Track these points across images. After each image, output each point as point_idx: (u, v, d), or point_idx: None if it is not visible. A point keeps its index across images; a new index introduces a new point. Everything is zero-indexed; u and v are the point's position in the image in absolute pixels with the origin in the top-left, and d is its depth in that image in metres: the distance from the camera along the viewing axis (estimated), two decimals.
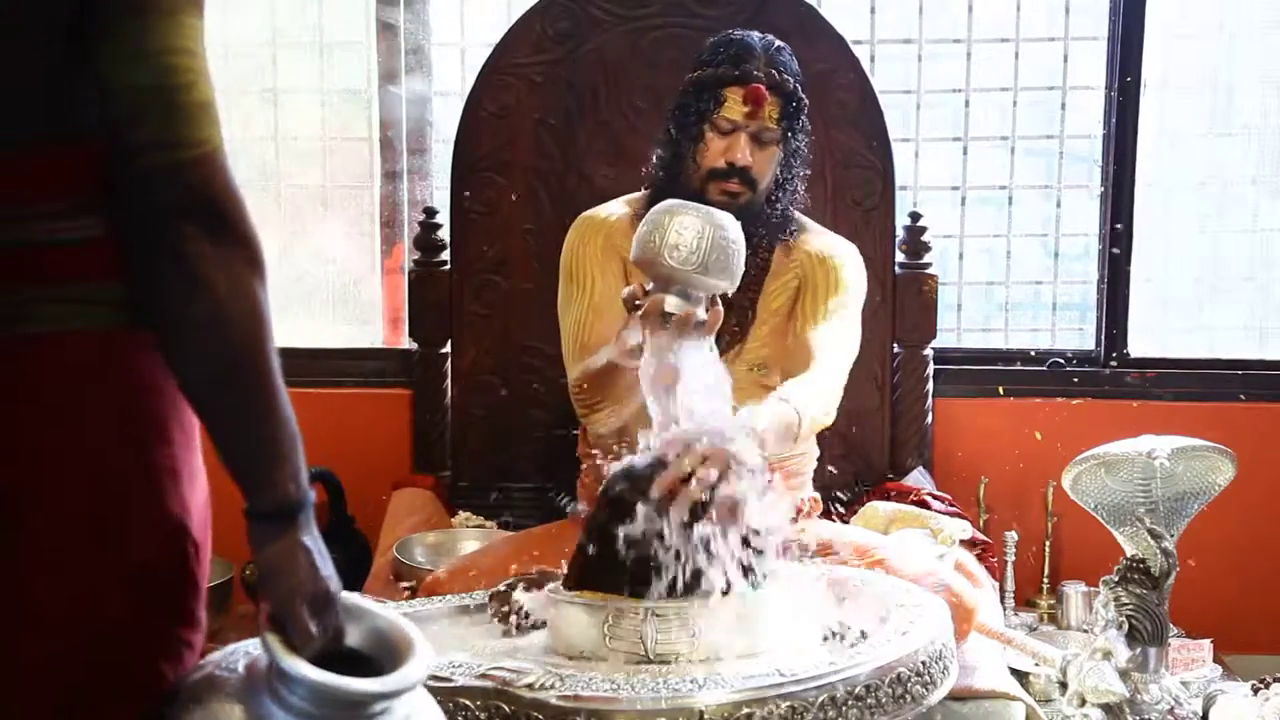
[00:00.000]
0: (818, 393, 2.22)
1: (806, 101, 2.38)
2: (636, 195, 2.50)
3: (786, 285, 2.43)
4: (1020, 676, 2.52)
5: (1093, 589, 2.80)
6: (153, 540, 1.24)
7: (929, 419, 3.11)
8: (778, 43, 2.40)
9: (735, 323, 2.38)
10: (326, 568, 1.27)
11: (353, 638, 1.33)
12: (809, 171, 2.47)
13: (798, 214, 2.49)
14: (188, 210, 1.17)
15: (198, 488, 1.27)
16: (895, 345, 3.05)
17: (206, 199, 1.18)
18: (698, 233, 1.92)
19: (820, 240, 2.48)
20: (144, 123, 1.17)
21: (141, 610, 1.24)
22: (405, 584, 2.52)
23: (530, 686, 1.67)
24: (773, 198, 2.40)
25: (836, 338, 2.37)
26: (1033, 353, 3.36)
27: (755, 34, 2.40)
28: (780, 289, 2.44)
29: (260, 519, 1.24)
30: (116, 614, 1.23)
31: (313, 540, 1.26)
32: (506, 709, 1.66)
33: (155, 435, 1.24)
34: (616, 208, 2.49)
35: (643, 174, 2.50)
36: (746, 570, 1.82)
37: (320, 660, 1.26)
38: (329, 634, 1.28)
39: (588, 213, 2.50)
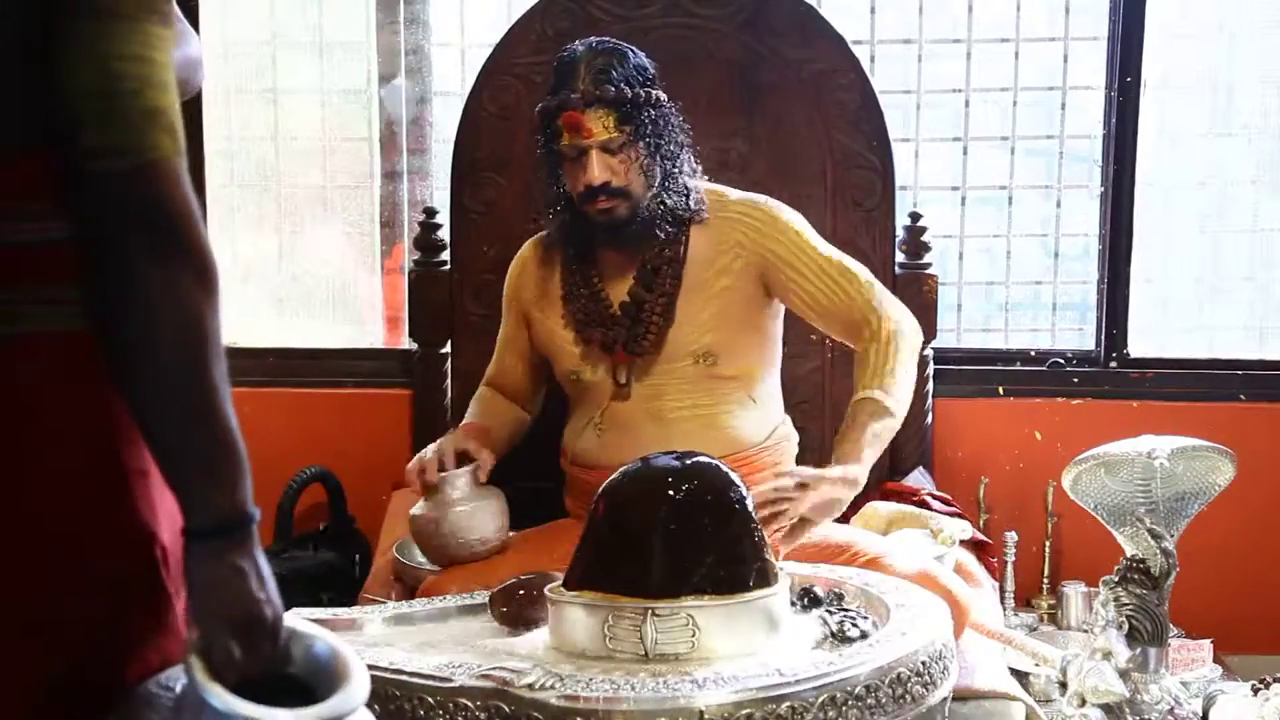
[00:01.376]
0: (903, 359, 2.35)
1: (649, 94, 2.37)
2: (540, 234, 2.60)
3: (729, 266, 2.42)
4: (1020, 676, 2.52)
5: (1093, 589, 2.80)
6: (117, 544, 1.23)
7: (929, 419, 3.10)
8: (605, 47, 2.40)
9: (656, 313, 2.41)
10: (265, 592, 1.22)
11: (296, 664, 1.28)
12: (687, 141, 2.46)
13: (702, 185, 2.48)
14: (129, 220, 1.14)
15: (169, 493, 1.24)
16: None
17: (150, 209, 1.14)
18: None
19: (738, 207, 2.48)
20: (85, 127, 1.14)
21: (105, 614, 1.22)
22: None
23: (530, 686, 1.67)
24: (663, 188, 2.40)
25: (850, 270, 2.42)
26: (1033, 353, 3.36)
27: (581, 45, 2.41)
28: (722, 270, 2.42)
29: (196, 538, 1.20)
30: (78, 616, 1.21)
31: (251, 563, 1.21)
32: (506, 709, 1.66)
33: (124, 436, 1.22)
34: (525, 249, 2.62)
35: None
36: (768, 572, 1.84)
37: (261, 685, 1.21)
38: (265, 662, 1.23)
39: (530, 241, 2.64)
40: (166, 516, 1.25)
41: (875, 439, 2.26)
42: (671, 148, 2.41)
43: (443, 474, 2.36)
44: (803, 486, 2.13)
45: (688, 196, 2.42)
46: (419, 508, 2.39)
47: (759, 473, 2.35)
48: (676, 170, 2.41)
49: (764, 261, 2.42)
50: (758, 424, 2.45)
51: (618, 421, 2.43)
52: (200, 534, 1.20)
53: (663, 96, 2.41)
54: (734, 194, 2.51)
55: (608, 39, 2.46)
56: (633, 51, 2.41)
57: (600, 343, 2.44)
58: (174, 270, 1.15)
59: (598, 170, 2.33)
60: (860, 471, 2.21)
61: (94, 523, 1.22)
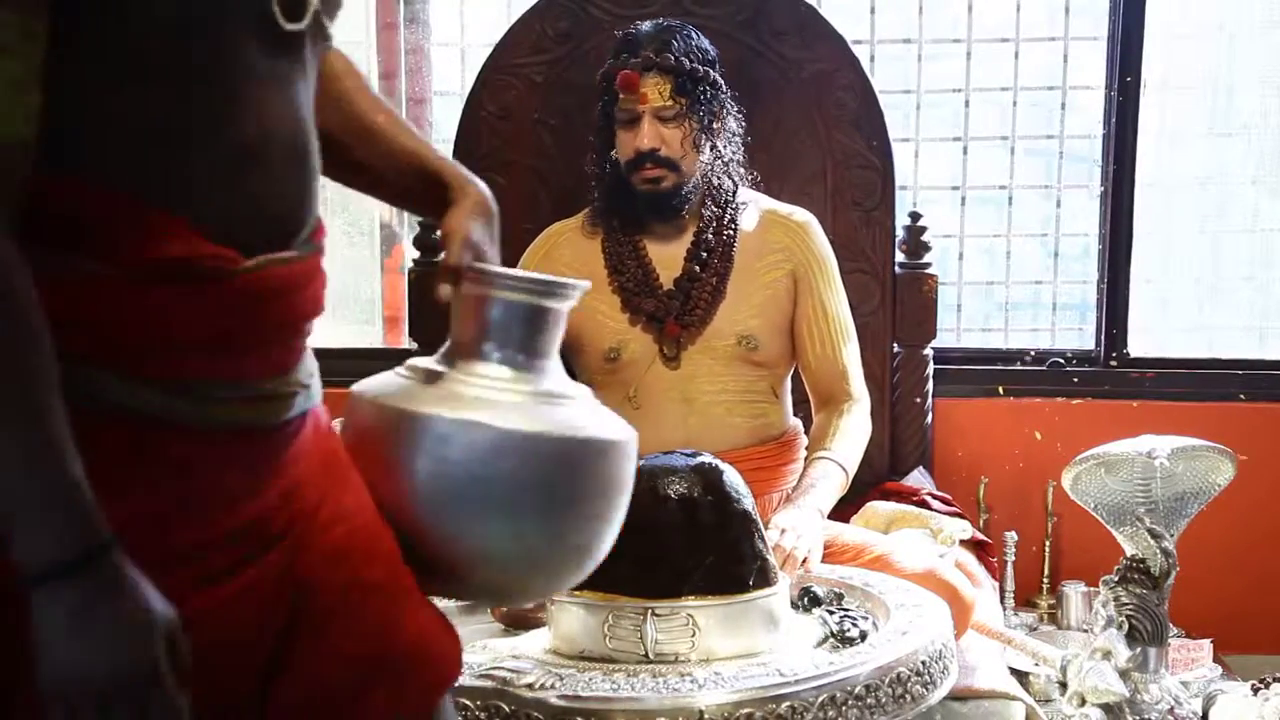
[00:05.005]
0: (856, 436, 2.45)
1: (708, 73, 2.41)
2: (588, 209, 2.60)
3: (778, 264, 2.48)
4: (1020, 676, 2.52)
5: (1093, 589, 2.80)
6: None
7: (929, 419, 3.10)
8: (673, 24, 2.46)
9: (709, 288, 2.45)
10: (123, 648, 1.03)
11: None
12: (739, 132, 2.50)
13: (750, 191, 2.54)
14: None
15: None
16: (895, 345, 3.05)
17: None
18: None
19: (785, 212, 2.53)
20: None
21: None
22: None
23: (530, 686, 1.67)
24: (711, 168, 2.44)
25: (848, 333, 2.51)
26: (1033, 353, 3.36)
27: (650, 23, 2.47)
28: (771, 266, 2.48)
29: (29, 583, 1.02)
30: None
31: (107, 605, 1.02)
32: (506, 709, 1.66)
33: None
34: (572, 220, 2.61)
35: None
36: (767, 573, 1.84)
37: None
38: None
39: (556, 224, 2.63)
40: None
41: (833, 489, 2.36)
42: (724, 132, 2.46)
43: None
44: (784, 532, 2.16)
45: (734, 183, 2.48)
46: None
47: (785, 465, 2.46)
48: (726, 155, 2.46)
49: (799, 271, 2.49)
50: (779, 417, 2.50)
51: (652, 398, 2.44)
52: (28, 579, 1.02)
53: (720, 81, 2.45)
54: (780, 204, 2.57)
55: (675, 20, 2.53)
56: (697, 34, 2.45)
57: (650, 314, 2.44)
58: None
59: (648, 136, 2.37)
60: (824, 508, 2.30)
61: None
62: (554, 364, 1.35)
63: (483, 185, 1.37)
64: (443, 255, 1.32)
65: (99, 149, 1.11)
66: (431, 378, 1.31)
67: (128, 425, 1.12)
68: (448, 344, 1.35)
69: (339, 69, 1.37)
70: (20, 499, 1.02)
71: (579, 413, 1.33)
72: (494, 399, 1.28)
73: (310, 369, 1.27)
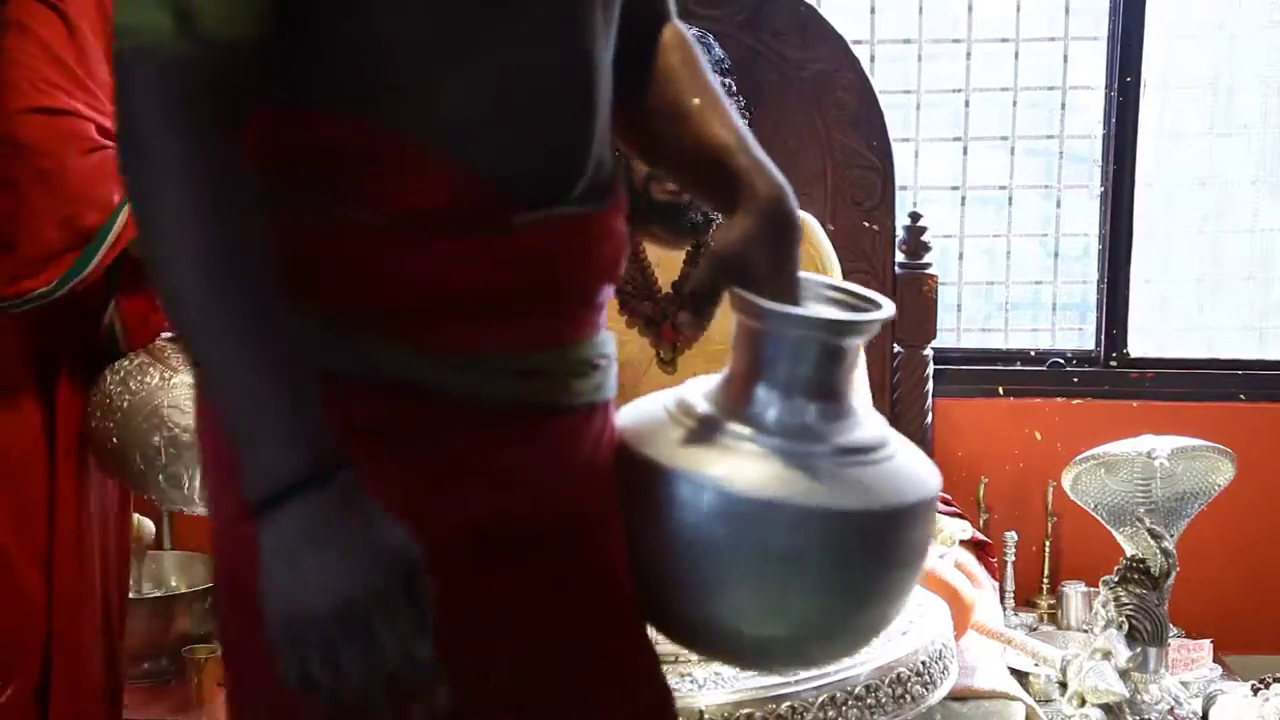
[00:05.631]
0: None
1: (731, 85, 2.39)
2: None
3: None
4: (1020, 676, 2.52)
5: (1093, 589, 2.80)
6: None
7: (929, 419, 3.10)
8: (694, 32, 2.42)
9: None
10: (333, 577, 0.92)
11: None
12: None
13: None
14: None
15: None
16: (895, 345, 3.05)
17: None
18: None
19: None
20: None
21: None
22: None
23: None
24: None
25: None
26: (1033, 353, 3.36)
27: None
28: None
29: (260, 511, 0.94)
30: None
31: (314, 537, 0.92)
32: None
33: None
34: None
35: None
36: None
37: None
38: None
39: None
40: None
41: None
42: None
43: None
44: None
45: None
46: None
47: None
48: None
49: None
50: None
51: None
52: (263, 503, 0.94)
53: (734, 87, 2.43)
54: None
55: (693, 27, 2.49)
56: (710, 45, 2.42)
57: (648, 317, 2.44)
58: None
59: None
60: None
61: None
62: (845, 404, 1.12)
63: (779, 187, 1.17)
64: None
65: (354, 76, 0.99)
66: (705, 426, 1.10)
67: (389, 395, 1.01)
68: (725, 376, 1.15)
69: (668, 41, 1.20)
70: (252, 414, 0.93)
71: (880, 473, 1.09)
72: (778, 463, 1.06)
73: (604, 350, 1.12)
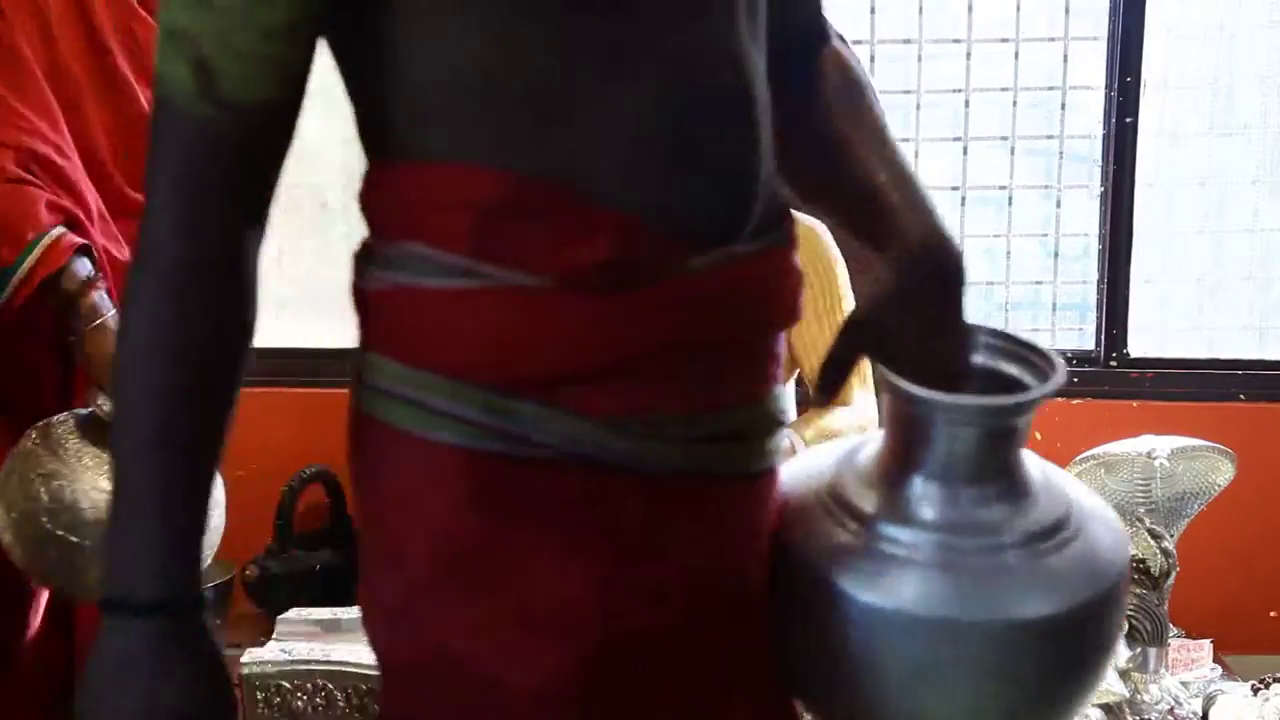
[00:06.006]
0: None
1: None
2: None
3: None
4: None
5: None
6: None
7: None
8: None
9: None
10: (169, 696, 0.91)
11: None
12: None
13: None
14: None
15: None
16: None
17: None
18: None
19: (797, 223, 2.48)
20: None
21: None
22: None
23: None
24: None
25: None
26: None
27: None
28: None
29: (102, 605, 0.93)
30: None
31: (167, 658, 0.91)
32: None
33: None
34: None
35: None
36: None
37: None
38: None
39: None
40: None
41: None
42: None
43: None
44: None
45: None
46: None
47: None
48: None
49: (804, 276, 2.44)
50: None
51: None
52: (104, 604, 0.93)
53: None
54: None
55: None
56: None
57: None
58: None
59: None
60: None
61: None
62: (1018, 479, 0.99)
63: (934, 229, 0.97)
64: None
65: (465, 118, 0.88)
66: (868, 531, 0.97)
67: (553, 471, 0.90)
68: (880, 456, 1.01)
69: (826, 66, 1.07)
70: (141, 536, 0.91)
71: (1067, 560, 0.96)
72: (948, 571, 0.94)
73: (783, 403, 1.01)
